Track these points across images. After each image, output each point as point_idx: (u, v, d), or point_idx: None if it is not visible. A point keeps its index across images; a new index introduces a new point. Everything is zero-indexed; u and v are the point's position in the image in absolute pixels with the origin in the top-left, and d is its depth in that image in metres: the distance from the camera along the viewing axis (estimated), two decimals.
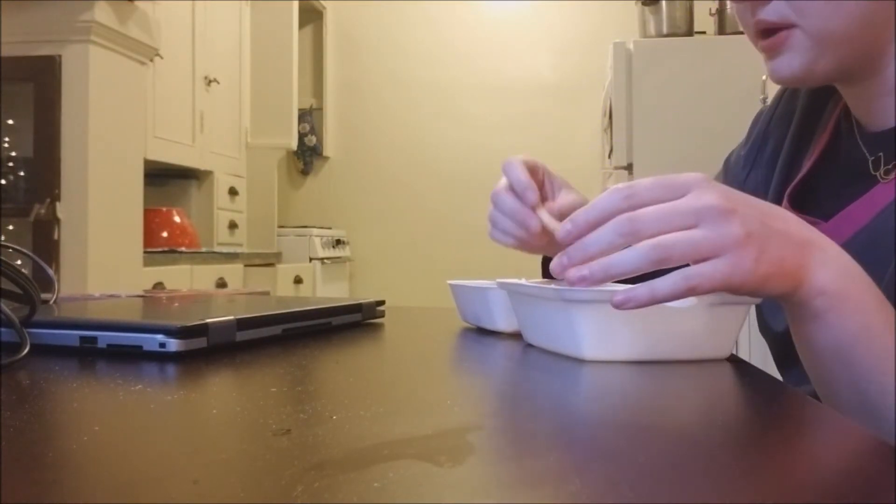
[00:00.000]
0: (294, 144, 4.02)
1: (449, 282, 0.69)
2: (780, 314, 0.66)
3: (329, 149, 4.49)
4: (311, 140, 4.45)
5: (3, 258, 0.49)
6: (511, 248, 0.74)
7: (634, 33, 2.80)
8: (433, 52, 4.41)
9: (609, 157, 2.93)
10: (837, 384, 0.50)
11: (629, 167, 2.57)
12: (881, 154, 0.66)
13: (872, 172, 0.66)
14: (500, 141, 4.32)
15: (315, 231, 3.98)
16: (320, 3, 4.37)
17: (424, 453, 0.27)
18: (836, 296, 0.48)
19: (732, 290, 0.44)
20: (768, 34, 0.63)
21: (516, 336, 0.60)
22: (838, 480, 0.26)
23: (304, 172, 4.54)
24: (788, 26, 0.62)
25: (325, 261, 3.97)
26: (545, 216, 0.66)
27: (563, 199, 0.76)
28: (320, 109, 4.47)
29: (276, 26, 3.89)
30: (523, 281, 0.57)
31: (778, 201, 0.74)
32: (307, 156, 4.48)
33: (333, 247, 4.11)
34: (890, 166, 0.64)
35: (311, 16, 4.39)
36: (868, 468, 0.27)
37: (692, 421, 0.35)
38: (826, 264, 0.49)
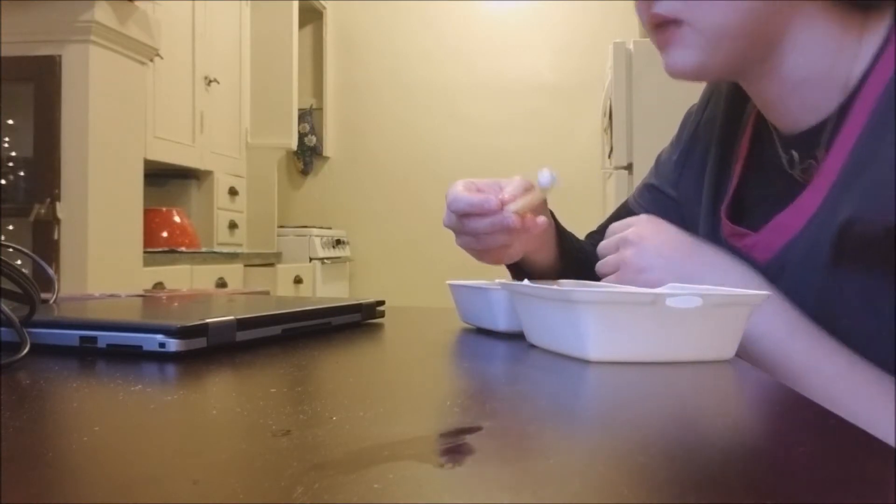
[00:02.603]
0: (294, 144, 4.02)
1: (448, 282, 0.69)
2: None
3: (329, 149, 4.49)
4: (311, 140, 4.45)
5: (3, 258, 0.49)
6: (478, 249, 0.73)
7: (635, 33, 2.80)
8: (433, 52, 4.41)
9: (609, 157, 2.93)
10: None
11: (629, 167, 2.57)
12: (794, 152, 0.66)
13: (789, 171, 0.66)
14: (500, 141, 4.32)
15: (315, 231, 3.98)
16: (320, 3, 4.37)
17: (425, 454, 0.27)
18: None
19: None
20: (661, 28, 0.64)
21: (518, 336, 0.60)
22: (839, 481, 0.26)
23: (304, 172, 4.54)
24: (679, 22, 0.63)
25: (325, 261, 3.97)
26: (514, 205, 0.66)
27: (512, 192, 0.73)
28: (320, 109, 4.47)
29: (276, 26, 3.89)
30: (526, 282, 0.57)
31: (714, 209, 0.75)
32: (307, 156, 4.48)
33: (333, 247, 4.11)
34: (805, 165, 0.64)
35: (311, 16, 4.39)
36: (868, 469, 0.27)
37: (693, 422, 0.35)
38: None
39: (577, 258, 0.83)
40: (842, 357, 0.58)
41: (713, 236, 0.73)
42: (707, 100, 0.82)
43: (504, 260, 0.75)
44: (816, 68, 0.63)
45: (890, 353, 0.55)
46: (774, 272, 0.64)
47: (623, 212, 0.91)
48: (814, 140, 0.63)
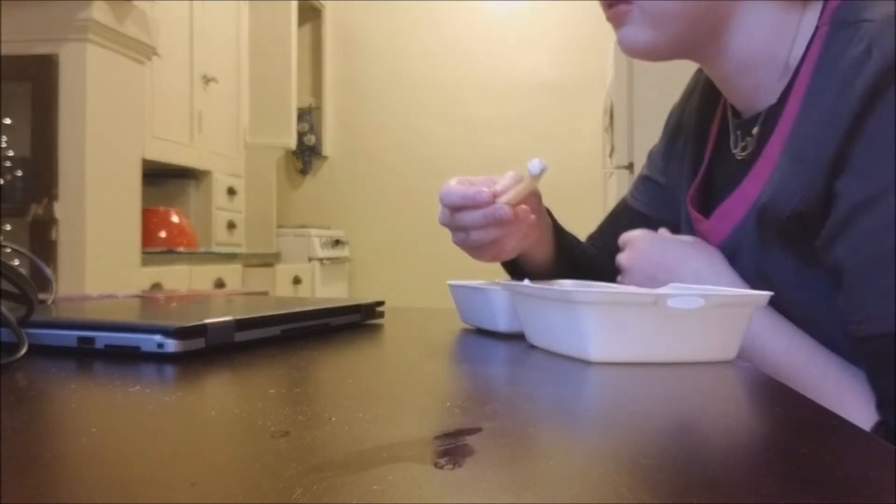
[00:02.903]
0: (293, 144, 4.02)
1: (448, 282, 0.69)
2: None
3: (328, 148, 4.49)
4: (310, 139, 4.45)
5: (0, 258, 0.49)
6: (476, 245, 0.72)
7: None
8: (432, 50, 4.41)
9: (610, 156, 2.93)
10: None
11: (630, 166, 2.57)
12: (738, 132, 0.68)
13: (732, 150, 0.68)
14: (501, 140, 4.32)
15: (314, 231, 3.98)
16: (319, 1, 4.37)
17: (424, 456, 0.26)
18: None
19: None
20: (612, 5, 0.67)
21: (518, 337, 0.60)
22: (839, 481, 0.26)
23: (303, 172, 4.53)
24: (628, 1, 0.65)
25: (324, 261, 3.97)
26: (507, 196, 0.66)
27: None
28: (319, 108, 4.46)
29: (275, 25, 3.88)
30: (527, 282, 0.57)
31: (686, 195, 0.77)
32: (306, 155, 4.48)
33: (332, 247, 4.11)
34: (745, 143, 0.67)
35: (310, 14, 4.39)
36: (869, 469, 0.27)
37: (694, 423, 0.35)
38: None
39: (573, 255, 0.84)
40: (808, 344, 0.61)
41: (686, 223, 0.77)
42: (690, 91, 0.83)
43: (500, 257, 0.74)
44: (760, 49, 0.64)
45: (828, 325, 0.59)
46: (727, 257, 0.67)
47: (620, 210, 0.92)
48: (757, 122, 0.66)
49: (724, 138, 0.73)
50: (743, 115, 0.69)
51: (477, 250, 0.72)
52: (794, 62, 0.62)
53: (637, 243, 0.72)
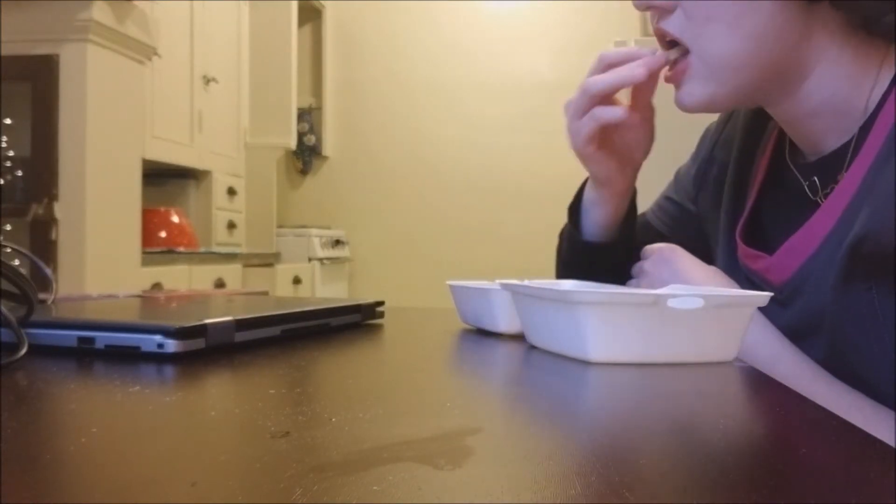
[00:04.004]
0: (293, 144, 4.02)
1: (448, 282, 0.69)
2: None
3: (328, 148, 4.49)
4: (310, 139, 4.45)
5: (0, 258, 0.49)
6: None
7: (635, 32, 2.80)
8: (432, 50, 4.41)
9: None
10: None
11: None
12: (815, 179, 0.65)
13: (812, 197, 0.65)
14: (500, 140, 4.32)
15: (314, 231, 3.98)
16: (319, 1, 4.37)
17: (424, 456, 0.26)
18: None
19: None
20: (672, 64, 0.64)
21: (518, 338, 0.60)
22: (840, 482, 0.26)
23: (303, 172, 4.53)
24: (686, 53, 0.62)
25: (324, 261, 3.97)
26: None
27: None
28: (319, 109, 4.46)
29: (275, 25, 3.88)
30: (527, 282, 0.57)
31: (731, 230, 0.74)
32: (306, 155, 4.48)
33: (332, 247, 4.10)
34: (828, 190, 0.63)
35: (310, 14, 4.39)
36: (869, 470, 0.27)
37: (695, 423, 0.35)
38: None
39: (633, 227, 0.83)
40: (822, 380, 0.58)
41: (730, 257, 0.73)
42: (726, 119, 0.81)
43: (631, 155, 0.76)
44: (833, 96, 0.62)
45: (883, 380, 0.55)
46: (789, 295, 0.63)
47: (639, 225, 0.90)
48: (835, 164, 0.62)
49: (774, 172, 0.71)
50: (805, 153, 0.67)
51: (606, 143, 0.73)
52: (872, 106, 0.60)
53: (664, 253, 0.70)
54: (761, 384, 0.45)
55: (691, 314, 0.48)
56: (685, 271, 0.68)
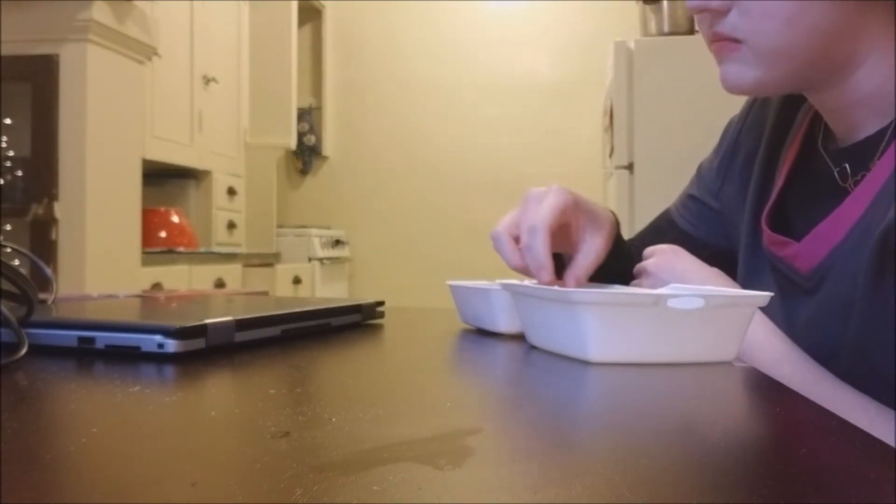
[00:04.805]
0: (293, 144, 4.02)
1: (449, 282, 0.69)
2: None
3: (328, 148, 4.49)
4: (310, 139, 4.45)
5: (0, 258, 0.49)
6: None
7: (635, 32, 2.79)
8: (432, 50, 4.41)
9: (610, 156, 2.93)
10: None
11: (630, 167, 2.57)
12: (846, 165, 0.65)
13: (841, 184, 0.65)
14: (500, 140, 4.32)
15: (314, 231, 3.98)
16: (319, 2, 4.37)
17: (424, 456, 0.26)
18: None
19: None
20: (719, 42, 0.63)
21: (518, 338, 0.60)
22: (840, 482, 0.26)
23: (303, 172, 4.53)
24: (738, 40, 0.62)
25: (325, 261, 3.97)
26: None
27: (581, 261, 0.68)
28: (319, 109, 4.46)
29: (275, 25, 3.88)
30: (527, 282, 0.57)
31: (756, 217, 0.74)
32: (306, 155, 4.48)
33: (332, 247, 4.10)
34: (858, 178, 0.63)
35: (310, 14, 4.39)
36: (869, 470, 0.27)
37: (695, 423, 0.35)
38: None
39: (621, 255, 0.82)
40: (827, 382, 0.58)
41: (754, 244, 0.73)
42: (749, 108, 0.81)
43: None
44: (880, 88, 0.62)
45: None
46: (816, 282, 0.63)
47: (665, 224, 0.89)
48: (867, 151, 0.62)
49: (803, 159, 0.70)
50: (840, 139, 0.67)
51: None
52: None
53: (666, 253, 0.71)
54: (761, 384, 0.45)
55: (691, 314, 0.48)
56: (686, 272, 0.68)
